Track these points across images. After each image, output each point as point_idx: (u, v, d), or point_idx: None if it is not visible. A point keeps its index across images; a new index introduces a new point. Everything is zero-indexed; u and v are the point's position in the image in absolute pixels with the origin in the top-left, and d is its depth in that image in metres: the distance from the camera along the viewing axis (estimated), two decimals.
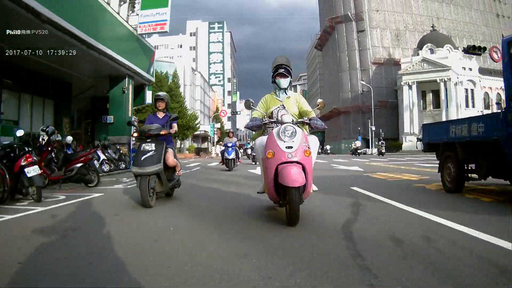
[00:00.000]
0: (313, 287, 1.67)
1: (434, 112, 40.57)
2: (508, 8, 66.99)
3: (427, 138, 6.37)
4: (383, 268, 1.89)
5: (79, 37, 8.49)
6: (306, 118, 3.42)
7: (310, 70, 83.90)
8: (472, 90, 42.61)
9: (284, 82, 3.59)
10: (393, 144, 38.94)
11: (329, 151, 45.05)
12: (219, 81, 74.09)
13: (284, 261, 2.04)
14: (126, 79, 11.74)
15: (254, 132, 3.82)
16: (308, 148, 3.09)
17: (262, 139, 3.44)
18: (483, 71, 46.08)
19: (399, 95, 42.04)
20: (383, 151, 28.05)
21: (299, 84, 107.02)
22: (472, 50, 14.61)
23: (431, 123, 8.17)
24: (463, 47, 18.20)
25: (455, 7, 58.04)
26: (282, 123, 3.24)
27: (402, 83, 40.10)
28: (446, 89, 38.36)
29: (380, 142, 29.06)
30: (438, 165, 5.74)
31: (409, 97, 40.01)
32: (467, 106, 41.00)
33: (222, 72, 74.33)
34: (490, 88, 46.71)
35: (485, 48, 15.22)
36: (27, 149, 4.49)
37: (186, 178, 7.58)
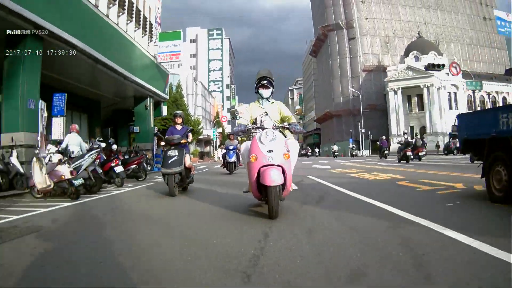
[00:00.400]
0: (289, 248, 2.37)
1: (419, 114, 43.63)
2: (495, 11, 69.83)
3: (465, 132, 4.82)
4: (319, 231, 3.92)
5: (119, 72, 11.53)
6: (286, 123, 3.88)
7: (306, 75, 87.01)
8: (455, 93, 45.61)
9: (266, 92, 4.04)
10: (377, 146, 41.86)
11: (317, 154, 48.70)
12: (218, 87, 77.08)
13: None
14: (148, 98, 14.83)
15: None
16: (288, 151, 3.46)
17: (247, 143, 3.84)
18: (466, 75, 49.15)
19: (387, 99, 45.06)
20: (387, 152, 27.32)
21: (296, 88, 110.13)
22: (432, 68, 17.63)
23: (471, 112, 6.96)
24: (425, 65, 21.06)
25: (442, 12, 60.84)
26: (263, 128, 3.61)
27: (388, 89, 43.13)
28: (429, 94, 41.35)
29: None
30: (482, 168, 4.33)
31: (395, 101, 43.02)
32: (450, 108, 43.99)
33: (221, 79, 77.36)
34: (473, 91, 49.81)
35: (443, 65, 18.24)
36: (114, 156, 7.55)
37: (197, 175, 10.52)
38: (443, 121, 41.19)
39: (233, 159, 11.90)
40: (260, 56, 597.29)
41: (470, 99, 49.30)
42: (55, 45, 8.45)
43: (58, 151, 5.97)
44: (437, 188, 5.24)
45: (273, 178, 3.25)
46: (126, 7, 13.39)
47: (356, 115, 45.86)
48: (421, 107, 43.71)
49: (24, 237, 3.06)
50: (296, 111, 4.43)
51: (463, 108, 46.00)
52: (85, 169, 6.01)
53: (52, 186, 5.32)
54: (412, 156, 15.36)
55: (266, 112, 3.96)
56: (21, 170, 6.81)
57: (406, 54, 45.53)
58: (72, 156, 6.28)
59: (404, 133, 18.16)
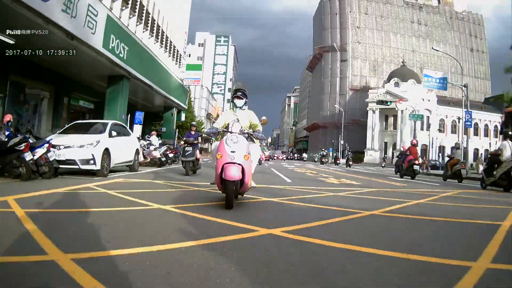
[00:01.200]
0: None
1: (393, 132, 50.06)
2: (483, 43, 76.20)
3: None
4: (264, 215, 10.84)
5: (160, 92, 17.66)
6: (251, 130, 4.63)
7: (302, 86, 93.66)
8: (428, 117, 52.01)
9: (239, 102, 4.78)
10: (358, 156, 48.26)
11: (305, 159, 54.98)
12: (221, 90, 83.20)
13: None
14: (174, 108, 21.00)
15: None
16: (248, 153, 4.03)
17: (217, 144, 4.41)
18: (443, 102, 55.64)
19: (367, 117, 51.41)
20: (351, 162, 31.42)
21: (293, 96, 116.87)
22: (381, 103, 23.96)
23: None
24: (377, 100, 27.34)
25: (431, 41, 66.98)
26: (231, 132, 4.14)
27: (368, 109, 49.51)
28: (402, 116, 47.76)
29: (348, 154, 35.19)
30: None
31: (373, 119, 49.42)
32: (422, 129, 50.41)
33: (223, 83, 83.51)
34: (446, 116, 56.34)
35: (390, 102, 24.60)
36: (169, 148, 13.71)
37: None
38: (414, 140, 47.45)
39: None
40: (263, 58, 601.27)
41: (442, 123, 56.01)
42: (134, 81, 14.49)
43: (150, 144, 12.19)
44: (339, 183, 11.36)
45: (232, 174, 3.81)
46: (164, 43, 19.46)
47: (339, 128, 52.15)
48: (395, 126, 50.08)
49: (149, 173, 9.13)
50: (262, 121, 4.95)
51: (434, 130, 52.34)
52: (160, 154, 12.21)
53: (148, 160, 11.49)
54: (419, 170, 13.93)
55: (237, 118, 4.47)
56: None
57: (388, 79, 51.96)
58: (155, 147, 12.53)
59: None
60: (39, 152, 6.10)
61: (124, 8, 13.82)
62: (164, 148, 12.52)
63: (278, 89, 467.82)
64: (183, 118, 23.34)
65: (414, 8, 67.34)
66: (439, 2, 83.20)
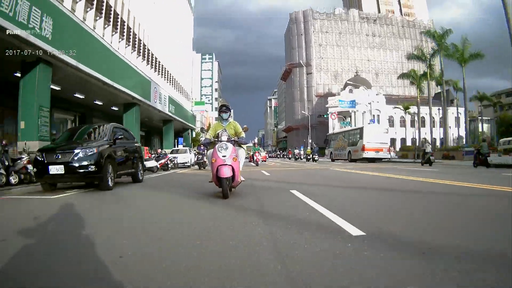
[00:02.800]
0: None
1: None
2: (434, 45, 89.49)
3: None
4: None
5: (183, 122, 30.21)
6: (236, 137, 5.83)
7: (280, 91, 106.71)
8: (378, 115, 65.19)
9: (225, 115, 6.13)
10: (322, 152, 61.27)
11: (284, 156, 67.61)
12: (209, 100, 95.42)
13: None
14: (190, 130, 33.54)
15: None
16: (236, 156, 5.40)
17: (211, 151, 5.64)
18: (391, 101, 68.87)
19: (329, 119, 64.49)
20: (316, 157, 36.74)
21: (273, 98, 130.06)
22: (320, 117, 36.82)
23: None
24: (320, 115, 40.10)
25: (384, 51, 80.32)
26: (221, 141, 5.42)
27: (328, 113, 62.56)
28: (355, 116, 60.93)
29: (314, 149, 47.63)
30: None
31: (332, 121, 62.46)
32: (400, 126, 63.40)
33: (211, 94, 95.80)
34: (394, 113, 69.62)
35: (328, 114, 37.54)
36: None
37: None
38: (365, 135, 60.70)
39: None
40: (243, 58, 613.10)
41: (392, 119, 69.35)
42: (159, 114, 26.89)
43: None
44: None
45: (225, 172, 5.19)
46: (181, 91, 31.89)
47: (308, 129, 64.94)
48: (351, 125, 63.20)
49: (152, 178, 21.52)
50: (244, 129, 5.95)
51: (384, 126, 65.61)
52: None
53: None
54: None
55: (225, 129, 5.80)
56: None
57: (344, 87, 65.06)
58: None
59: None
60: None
61: (157, 74, 26.29)
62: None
63: (260, 87, 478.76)
64: (194, 134, 35.76)
65: (368, 22, 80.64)
66: (401, 13, 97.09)
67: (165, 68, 26.96)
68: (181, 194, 6.58)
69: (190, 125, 32.68)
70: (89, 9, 15.05)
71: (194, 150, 23.25)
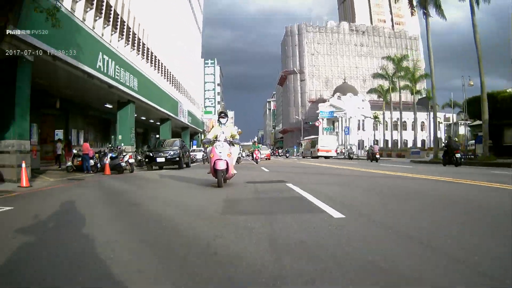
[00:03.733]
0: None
1: (339, 133, 71.13)
2: (418, 53, 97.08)
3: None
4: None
5: (194, 127, 38.21)
6: (231, 138, 7.16)
7: (278, 95, 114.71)
8: (363, 120, 73.13)
9: (223, 120, 7.39)
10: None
11: (281, 155, 75.64)
12: (212, 104, 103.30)
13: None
14: (200, 133, 41.51)
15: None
16: (230, 153, 6.80)
17: (210, 148, 7.18)
18: (376, 107, 76.71)
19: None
20: (287, 155, 53.29)
21: (272, 101, 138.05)
22: (306, 124, 44.86)
23: None
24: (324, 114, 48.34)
25: (371, 58, 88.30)
26: (219, 141, 6.85)
27: (318, 117, 70.44)
28: (342, 121, 68.82)
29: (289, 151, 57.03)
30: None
31: (322, 125, 70.38)
32: (359, 129, 71.51)
33: (214, 97, 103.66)
34: (378, 117, 77.55)
35: (311, 123, 45.58)
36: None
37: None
38: (351, 137, 68.59)
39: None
40: (243, 57, 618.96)
41: (376, 124, 77.31)
42: (180, 123, 34.74)
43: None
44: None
45: (220, 165, 6.62)
46: (194, 103, 39.69)
47: (301, 131, 72.90)
48: (335, 130, 71.19)
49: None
50: (238, 132, 7.41)
51: (369, 130, 73.52)
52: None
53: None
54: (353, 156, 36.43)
55: (223, 131, 7.12)
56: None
57: (333, 94, 72.99)
58: None
59: (351, 145, 44.87)
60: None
61: (179, 93, 34.19)
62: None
63: (260, 86, 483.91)
64: (202, 137, 43.74)
65: (357, 34, 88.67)
66: (392, 23, 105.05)
67: (184, 88, 35.10)
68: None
69: (200, 130, 40.59)
70: (143, 60, 22.94)
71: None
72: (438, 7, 22.73)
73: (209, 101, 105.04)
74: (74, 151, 14.42)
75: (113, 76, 14.81)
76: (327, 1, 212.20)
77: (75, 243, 2.90)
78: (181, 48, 34.85)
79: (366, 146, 62.40)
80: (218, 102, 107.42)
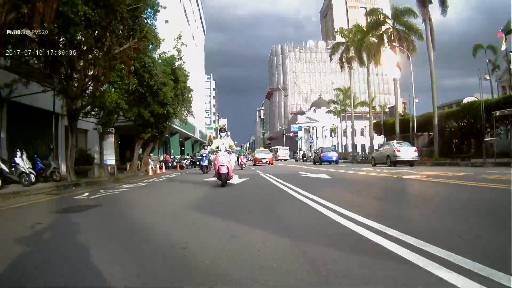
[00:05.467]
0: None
1: (314, 140, 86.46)
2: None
3: None
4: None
5: (201, 140, 53.19)
6: (230, 149, 9.00)
7: (266, 105, 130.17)
8: (335, 129, 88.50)
9: (223, 134, 9.59)
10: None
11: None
12: (208, 115, 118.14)
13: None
14: (205, 143, 56.38)
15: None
16: (229, 160, 8.52)
17: (214, 157, 9.20)
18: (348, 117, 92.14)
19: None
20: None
21: (262, 109, 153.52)
22: (284, 135, 60.04)
23: None
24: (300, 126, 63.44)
25: (346, 74, 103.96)
26: (221, 150, 8.69)
27: (296, 128, 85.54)
28: (316, 130, 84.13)
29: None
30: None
31: (300, 134, 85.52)
32: (331, 136, 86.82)
33: (209, 109, 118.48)
34: (346, 126, 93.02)
35: (287, 134, 60.85)
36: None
37: None
38: (326, 142, 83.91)
39: (205, 163, 18.46)
40: (235, 60, 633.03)
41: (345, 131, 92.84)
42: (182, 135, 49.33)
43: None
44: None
45: (223, 170, 8.36)
46: (200, 121, 54.42)
47: (283, 139, 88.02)
48: (311, 139, 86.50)
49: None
50: (234, 144, 9.53)
51: (339, 138, 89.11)
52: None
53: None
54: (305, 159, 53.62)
55: (223, 143, 9.21)
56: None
57: (310, 108, 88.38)
58: None
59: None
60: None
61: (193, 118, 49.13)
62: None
63: (254, 90, 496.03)
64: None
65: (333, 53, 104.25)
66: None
67: (195, 112, 50.18)
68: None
69: (204, 141, 55.29)
70: None
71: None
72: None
73: (206, 112, 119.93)
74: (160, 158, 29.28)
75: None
76: (314, 2, 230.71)
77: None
78: (194, 73, 49.73)
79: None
80: (214, 113, 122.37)
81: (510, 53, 37.72)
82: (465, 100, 41.14)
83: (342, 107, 58.95)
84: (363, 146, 64.37)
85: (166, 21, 12.79)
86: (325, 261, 2.23)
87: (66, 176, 11.44)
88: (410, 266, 2.08)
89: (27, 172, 9.88)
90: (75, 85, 10.98)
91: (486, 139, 19.15)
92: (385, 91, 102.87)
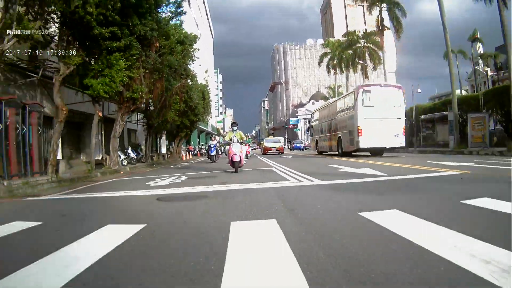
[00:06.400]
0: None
1: None
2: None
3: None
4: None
5: (212, 132, 62.40)
6: (241, 140, 10.62)
7: (269, 98, 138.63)
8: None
9: (235, 127, 10.98)
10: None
11: None
12: (215, 107, 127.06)
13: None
14: (215, 135, 65.61)
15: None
16: (241, 150, 10.35)
17: (228, 147, 10.59)
18: None
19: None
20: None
21: (266, 100, 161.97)
22: (283, 127, 68.94)
23: None
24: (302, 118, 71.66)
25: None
26: (234, 142, 10.36)
27: (294, 121, 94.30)
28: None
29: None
30: None
31: (301, 125, 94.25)
32: None
33: (217, 101, 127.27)
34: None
35: (286, 126, 69.82)
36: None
37: None
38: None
39: (214, 153, 20.68)
40: (239, 51, 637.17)
41: None
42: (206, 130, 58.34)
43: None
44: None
45: (236, 159, 10.03)
46: (212, 116, 63.49)
47: (285, 130, 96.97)
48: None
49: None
50: (246, 136, 11.48)
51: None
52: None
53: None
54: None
55: (235, 135, 10.51)
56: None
57: (309, 101, 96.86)
58: None
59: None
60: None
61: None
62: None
63: (258, 80, 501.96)
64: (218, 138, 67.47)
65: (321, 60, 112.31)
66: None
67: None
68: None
69: (214, 133, 64.31)
70: None
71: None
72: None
73: (213, 104, 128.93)
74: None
75: None
76: None
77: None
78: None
79: None
80: (221, 105, 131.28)
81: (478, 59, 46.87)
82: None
83: None
84: None
85: (200, 65, 21.84)
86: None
87: (147, 159, 20.70)
88: (301, 178, 10.76)
89: (134, 157, 19.16)
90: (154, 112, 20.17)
91: (420, 134, 27.92)
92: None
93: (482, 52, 57.42)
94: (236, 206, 4.24)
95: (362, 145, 15.83)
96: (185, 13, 16.32)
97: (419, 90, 32.40)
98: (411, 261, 1.98)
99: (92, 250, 2.51)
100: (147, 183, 8.25)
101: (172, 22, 16.82)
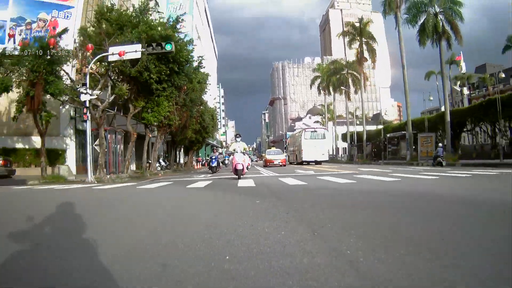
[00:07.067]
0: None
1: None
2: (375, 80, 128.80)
3: None
4: None
5: (216, 145, 69.13)
6: (244, 151, 12.30)
7: (269, 111, 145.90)
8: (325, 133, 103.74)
9: (238, 139, 12.58)
10: None
11: None
12: (218, 120, 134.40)
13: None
14: (220, 147, 72.26)
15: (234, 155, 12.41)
16: (244, 160, 11.76)
17: (232, 157, 12.40)
18: (340, 123, 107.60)
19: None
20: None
21: (267, 113, 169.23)
22: (281, 140, 75.63)
23: None
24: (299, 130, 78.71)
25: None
26: (237, 152, 12.01)
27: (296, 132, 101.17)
28: None
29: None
30: None
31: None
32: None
33: (219, 114, 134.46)
34: (336, 132, 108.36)
35: (285, 139, 76.55)
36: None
37: None
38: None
39: (215, 164, 20.91)
40: (241, 63, 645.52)
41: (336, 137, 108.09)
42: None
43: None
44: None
45: (239, 167, 11.67)
46: (217, 130, 70.26)
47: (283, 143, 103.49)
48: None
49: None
50: (248, 147, 12.37)
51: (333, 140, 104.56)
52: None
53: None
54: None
55: (238, 146, 12.12)
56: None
57: (306, 115, 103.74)
58: None
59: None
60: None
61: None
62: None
63: (260, 92, 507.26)
64: (220, 150, 74.04)
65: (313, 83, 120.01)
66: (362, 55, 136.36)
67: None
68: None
69: (218, 146, 70.93)
70: None
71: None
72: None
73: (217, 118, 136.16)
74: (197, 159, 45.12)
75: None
76: (318, 5, 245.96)
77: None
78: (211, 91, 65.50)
79: None
80: (223, 118, 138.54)
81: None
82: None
83: (324, 120, 73.71)
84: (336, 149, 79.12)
85: (210, 94, 28.69)
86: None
87: (171, 167, 27.37)
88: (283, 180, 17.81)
89: (164, 165, 25.88)
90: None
91: (388, 149, 34.50)
92: (372, 99, 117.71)
93: (464, 72, 64.52)
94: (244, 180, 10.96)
95: (304, 159, 31.27)
96: (204, 67, 23.28)
97: (431, 98, 39.64)
98: (287, 187, 8.40)
99: (198, 185, 9.35)
100: (194, 177, 14.91)
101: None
